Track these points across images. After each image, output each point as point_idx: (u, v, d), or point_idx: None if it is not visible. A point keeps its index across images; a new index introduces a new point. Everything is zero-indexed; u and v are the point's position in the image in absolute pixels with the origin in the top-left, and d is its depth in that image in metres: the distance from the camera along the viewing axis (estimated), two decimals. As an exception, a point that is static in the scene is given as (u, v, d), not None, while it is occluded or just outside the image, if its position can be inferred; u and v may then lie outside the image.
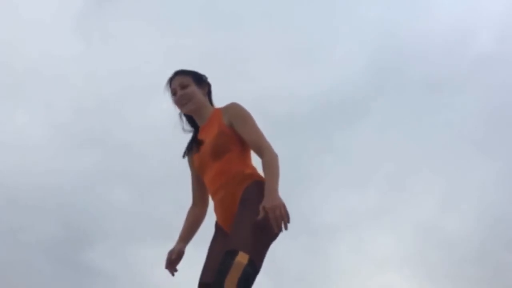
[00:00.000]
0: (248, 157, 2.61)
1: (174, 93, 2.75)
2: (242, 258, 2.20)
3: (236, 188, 2.50)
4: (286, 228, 2.26)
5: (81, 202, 8.25)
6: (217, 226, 2.64)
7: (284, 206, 2.29)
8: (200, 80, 2.77)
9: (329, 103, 8.93)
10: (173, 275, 2.74)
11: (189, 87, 2.71)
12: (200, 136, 2.69)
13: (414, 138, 8.98)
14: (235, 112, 2.60)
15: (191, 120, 2.82)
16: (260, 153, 2.50)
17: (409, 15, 9.57)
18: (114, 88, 9.07)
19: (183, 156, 2.81)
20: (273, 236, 2.39)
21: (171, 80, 2.78)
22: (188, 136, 2.83)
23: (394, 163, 8.80)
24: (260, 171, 2.55)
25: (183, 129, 2.84)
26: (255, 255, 2.26)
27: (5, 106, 8.95)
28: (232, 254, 2.22)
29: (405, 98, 9.25)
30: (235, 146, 2.56)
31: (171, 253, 2.73)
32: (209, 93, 2.81)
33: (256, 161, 2.61)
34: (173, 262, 2.73)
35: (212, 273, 2.37)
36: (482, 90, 9.03)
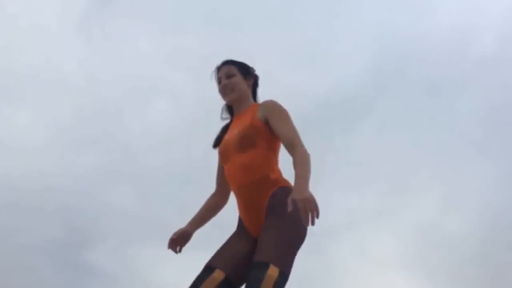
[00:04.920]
0: (274, 160, 2.56)
1: (219, 82, 2.75)
2: (272, 271, 2.19)
3: (261, 194, 2.47)
4: (313, 223, 2.15)
5: (82, 204, 8.28)
6: (241, 222, 2.61)
7: (314, 200, 2.17)
8: (246, 71, 2.76)
9: (330, 103, 8.95)
10: (175, 252, 2.74)
11: (234, 77, 2.71)
12: (232, 126, 2.69)
13: (415, 139, 8.99)
14: (272, 107, 2.56)
15: (231, 110, 2.81)
16: (292, 149, 2.41)
17: (410, 16, 9.59)
18: (115, 90, 9.10)
19: (214, 147, 2.77)
20: (301, 242, 2.38)
21: (218, 69, 2.77)
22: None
23: (394, 163, 8.81)
24: (285, 176, 2.53)
25: (221, 117, 2.84)
26: (285, 266, 2.26)
27: (7, 108, 8.99)
28: (263, 266, 2.20)
29: (406, 99, 9.27)
30: (262, 142, 2.52)
31: (174, 233, 2.73)
32: (254, 86, 2.81)
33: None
34: (174, 241, 2.72)
35: (224, 261, 2.39)
36: (482, 91, 9.05)
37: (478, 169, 8.56)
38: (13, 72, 8.82)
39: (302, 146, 2.41)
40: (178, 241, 2.73)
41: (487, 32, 9.19)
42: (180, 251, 2.75)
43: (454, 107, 9.10)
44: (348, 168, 8.76)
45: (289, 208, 2.16)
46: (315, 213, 2.14)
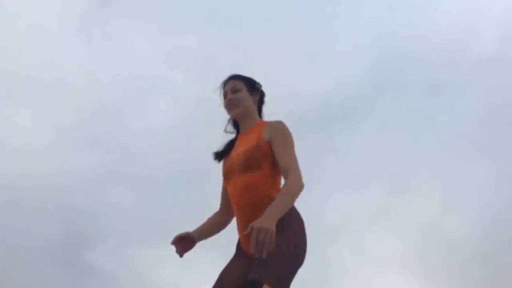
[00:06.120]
0: (278, 179, 2.52)
1: (225, 96, 2.72)
2: None
3: (262, 213, 2.38)
4: (263, 255, 2.11)
5: (82, 204, 8.29)
6: (239, 245, 2.59)
7: (272, 233, 2.13)
8: (252, 87, 2.73)
9: (330, 103, 8.96)
10: (178, 254, 2.65)
11: (239, 92, 2.67)
12: (238, 143, 2.66)
13: (415, 139, 9.00)
14: (278, 129, 2.53)
15: (236, 125, 2.78)
16: (286, 177, 2.39)
17: (410, 16, 9.59)
18: (115, 90, 9.12)
19: (215, 159, 2.74)
20: (299, 265, 2.34)
21: (224, 83, 2.75)
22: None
23: (395, 164, 8.81)
24: None
25: (225, 131, 2.80)
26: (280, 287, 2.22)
27: (7, 108, 9.00)
28: (258, 286, 2.17)
29: (407, 99, 9.27)
30: (266, 164, 2.48)
31: (180, 233, 2.66)
32: (260, 102, 2.78)
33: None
34: (180, 239, 2.64)
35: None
36: (482, 91, 9.06)
37: (478, 169, 8.56)
38: (13, 73, 8.84)
39: (296, 175, 2.38)
40: (183, 242, 2.66)
41: (487, 32, 9.20)
42: (182, 256, 2.67)
43: (454, 107, 9.11)
44: (348, 168, 8.77)
45: (246, 232, 2.15)
46: (266, 245, 2.11)
